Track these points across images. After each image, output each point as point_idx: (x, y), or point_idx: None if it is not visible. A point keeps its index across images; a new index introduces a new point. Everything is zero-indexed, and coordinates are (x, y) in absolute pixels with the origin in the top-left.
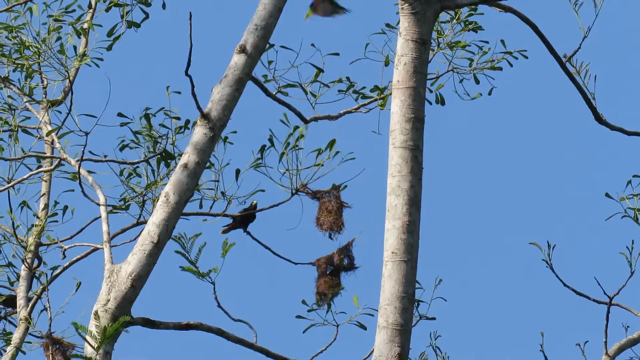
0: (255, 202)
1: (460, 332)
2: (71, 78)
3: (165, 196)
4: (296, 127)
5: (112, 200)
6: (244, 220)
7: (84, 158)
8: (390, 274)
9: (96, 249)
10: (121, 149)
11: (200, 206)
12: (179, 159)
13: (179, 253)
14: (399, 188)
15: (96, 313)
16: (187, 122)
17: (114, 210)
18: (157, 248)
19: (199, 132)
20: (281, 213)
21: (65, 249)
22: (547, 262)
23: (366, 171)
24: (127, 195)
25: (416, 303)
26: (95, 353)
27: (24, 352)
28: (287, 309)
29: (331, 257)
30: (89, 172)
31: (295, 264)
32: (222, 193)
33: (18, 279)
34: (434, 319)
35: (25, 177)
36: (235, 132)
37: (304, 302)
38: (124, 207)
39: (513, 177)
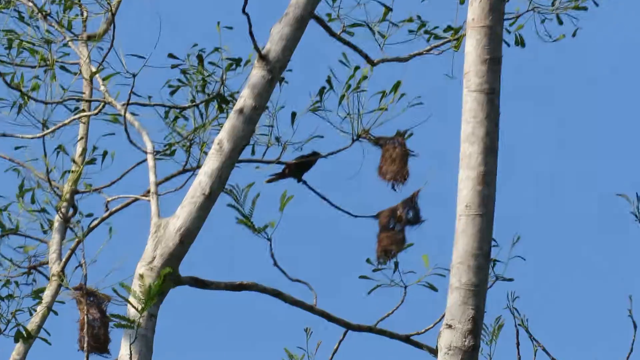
0: (317, 154)
1: (540, 294)
2: (113, 10)
3: (218, 143)
4: (357, 68)
5: (157, 145)
6: (298, 168)
7: (130, 102)
8: (464, 229)
9: (136, 199)
10: (172, 93)
11: (253, 152)
12: (233, 104)
13: (231, 207)
14: (474, 135)
15: (141, 275)
16: (239, 59)
17: (157, 157)
18: (209, 200)
19: (257, 75)
20: (340, 161)
21: (108, 201)
22: (636, 215)
23: (435, 117)
24: (173, 140)
25: (492, 262)
26: (138, 315)
27: (55, 313)
28: (349, 268)
29: (394, 209)
30: (133, 114)
31: (355, 216)
32: (277, 138)
33: (51, 228)
34: (511, 280)
35: (66, 121)
36: (290, 70)
37: (368, 260)
38: (169, 152)
39: (597, 123)
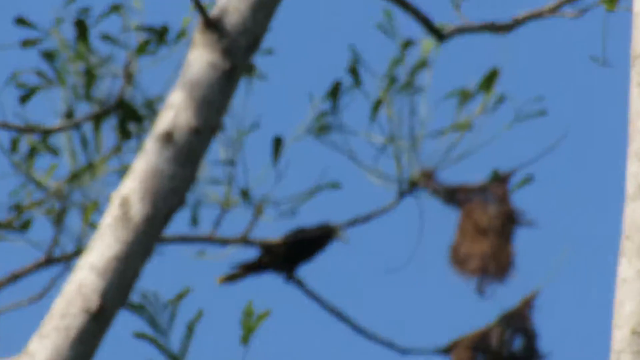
0: (328, 227)
1: None
2: None
3: (121, 205)
4: (407, 43)
5: None
6: (288, 254)
7: None
8: None
9: None
10: (23, 100)
11: (194, 222)
12: (151, 123)
13: (141, 337)
14: None
15: None
16: (164, 30)
17: None
18: (99, 323)
19: (200, 61)
20: (374, 235)
21: None
22: None
23: (573, 139)
24: (27, 200)
25: None
26: None
27: None
28: None
29: (485, 335)
30: None
31: (403, 352)
32: (244, 192)
33: None
34: None
35: None
36: (270, 52)
37: None
38: (17, 224)
39: None
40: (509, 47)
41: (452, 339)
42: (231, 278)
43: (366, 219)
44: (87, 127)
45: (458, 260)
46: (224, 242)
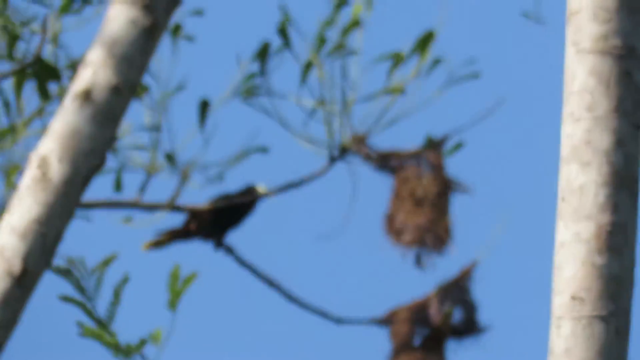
0: (254, 191)
1: None
2: None
3: (39, 167)
4: (339, 4)
5: None
6: (216, 219)
7: None
8: (569, 346)
9: None
10: None
11: (117, 187)
12: (71, 82)
13: (69, 301)
14: (589, 150)
15: None
16: None
17: None
18: (21, 288)
19: (120, 16)
20: (304, 200)
21: None
22: None
23: (509, 107)
24: None
25: None
26: None
27: None
28: None
29: (423, 306)
30: None
31: (338, 322)
32: (168, 156)
33: None
34: None
35: None
36: (200, 12)
37: None
38: None
39: None
40: (443, 6)
41: (389, 309)
42: (157, 244)
43: (297, 184)
44: (9, 90)
45: (394, 231)
46: (151, 207)
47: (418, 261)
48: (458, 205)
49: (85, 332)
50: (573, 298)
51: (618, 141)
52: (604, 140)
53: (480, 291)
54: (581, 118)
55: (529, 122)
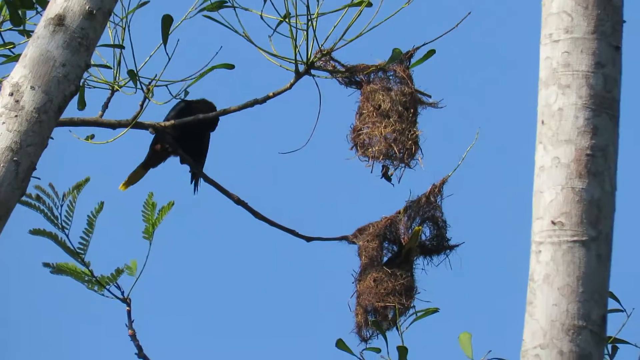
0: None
1: None
2: None
3: (12, 94)
4: None
5: None
6: (182, 134)
7: None
8: (549, 273)
9: None
10: None
11: (81, 105)
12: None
13: (38, 234)
14: (568, 73)
15: None
16: None
17: None
18: None
19: None
20: (273, 114)
21: None
22: None
23: (474, 20)
24: None
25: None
26: None
27: None
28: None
29: (391, 223)
30: None
31: (307, 239)
32: (131, 73)
33: None
34: None
35: None
36: None
37: (340, 344)
38: None
39: None
40: None
41: (358, 226)
42: (131, 182)
43: (263, 100)
44: None
45: (361, 144)
46: (114, 125)
47: (385, 174)
48: (427, 119)
49: (56, 270)
50: (553, 223)
51: (597, 63)
52: (583, 62)
53: (452, 209)
54: (560, 39)
55: (504, 36)
